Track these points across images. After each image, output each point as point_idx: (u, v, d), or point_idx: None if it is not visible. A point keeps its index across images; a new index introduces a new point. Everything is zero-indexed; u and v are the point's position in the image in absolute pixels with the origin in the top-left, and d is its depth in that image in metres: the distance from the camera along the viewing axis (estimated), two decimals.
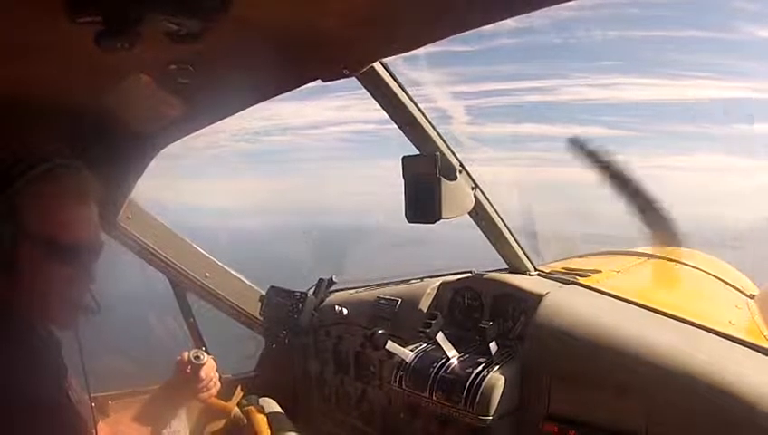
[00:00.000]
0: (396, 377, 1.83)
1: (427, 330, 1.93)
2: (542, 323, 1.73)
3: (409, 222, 1.65)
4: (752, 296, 2.46)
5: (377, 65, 1.43)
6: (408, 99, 1.59)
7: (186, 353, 1.49)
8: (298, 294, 2.43)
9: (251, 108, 1.53)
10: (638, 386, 1.48)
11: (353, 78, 1.29)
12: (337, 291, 2.52)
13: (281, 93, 1.39)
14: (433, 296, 2.15)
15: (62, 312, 1.10)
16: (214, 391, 1.53)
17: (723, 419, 1.33)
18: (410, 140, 1.69)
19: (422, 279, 2.34)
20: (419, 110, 1.63)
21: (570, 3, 0.91)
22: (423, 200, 1.60)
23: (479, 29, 1.06)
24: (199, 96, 1.36)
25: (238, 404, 1.93)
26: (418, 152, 1.69)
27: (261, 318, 2.54)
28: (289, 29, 1.04)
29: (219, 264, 2.41)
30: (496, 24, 1.01)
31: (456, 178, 1.74)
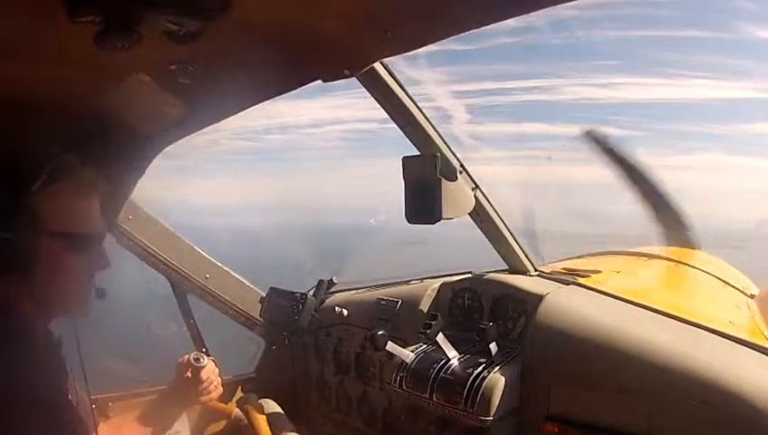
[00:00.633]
0: (396, 378, 1.83)
1: (428, 331, 1.93)
2: (543, 324, 1.73)
3: (410, 223, 1.65)
4: (752, 296, 2.46)
5: (377, 66, 1.43)
6: (408, 99, 1.59)
7: (186, 356, 1.50)
8: (298, 295, 2.43)
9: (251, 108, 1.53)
10: (639, 386, 1.48)
11: (353, 78, 1.29)
12: (337, 292, 2.52)
13: (281, 94, 1.39)
14: (433, 297, 2.15)
15: (78, 299, 1.17)
16: (215, 394, 1.53)
17: (723, 418, 1.33)
18: (411, 141, 1.69)
19: (422, 280, 2.34)
20: (420, 110, 1.64)
21: (570, 2, 0.91)
22: (423, 201, 1.60)
23: (479, 28, 1.06)
24: (199, 96, 1.36)
25: (237, 404, 1.93)
26: (419, 153, 1.70)
27: (261, 319, 2.54)
28: (289, 30, 1.04)
29: (219, 265, 2.40)
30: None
31: (456, 178, 1.74)
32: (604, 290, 1.89)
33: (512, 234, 2.03)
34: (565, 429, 1.59)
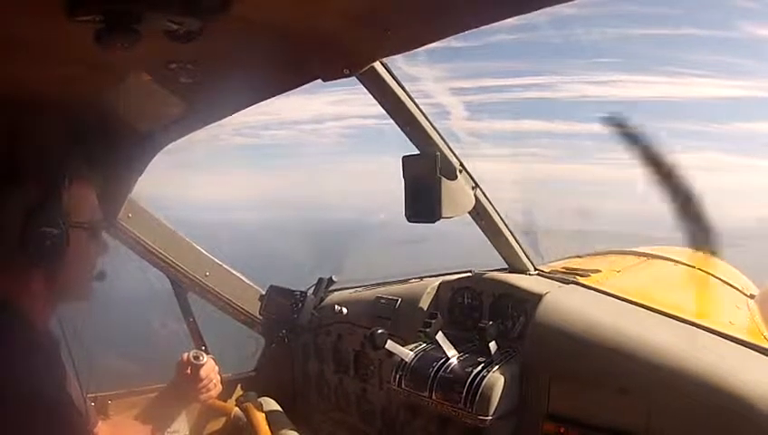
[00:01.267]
0: (395, 377, 1.83)
1: (427, 329, 1.93)
2: (542, 323, 1.73)
3: (409, 221, 1.65)
4: (751, 296, 2.46)
5: (377, 65, 1.43)
6: (408, 98, 1.59)
7: (186, 354, 1.50)
8: (298, 293, 2.43)
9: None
10: (638, 386, 1.48)
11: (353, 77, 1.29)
12: (337, 290, 2.52)
13: (281, 93, 1.39)
14: (433, 296, 2.15)
15: (87, 285, 1.23)
16: (214, 392, 1.53)
17: (722, 418, 1.34)
18: (410, 140, 1.69)
19: (422, 279, 2.34)
20: (419, 109, 1.64)
21: (570, 2, 0.91)
22: (423, 200, 1.60)
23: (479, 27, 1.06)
24: (199, 95, 1.36)
25: (237, 402, 1.93)
26: (418, 151, 1.70)
27: (261, 317, 2.54)
28: (289, 28, 1.04)
29: (219, 263, 2.40)
30: None
31: (456, 177, 1.74)
32: (604, 289, 1.89)
33: (511, 233, 2.03)
34: (565, 428, 1.60)
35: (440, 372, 1.74)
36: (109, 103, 1.36)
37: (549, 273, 2.12)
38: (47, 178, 1.10)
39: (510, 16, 1.00)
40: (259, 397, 1.95)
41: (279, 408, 1.94)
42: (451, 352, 1.78)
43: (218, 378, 1.55)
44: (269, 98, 1.43)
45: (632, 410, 1.47)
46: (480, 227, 1.97)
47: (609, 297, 1.84)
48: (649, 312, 1.72)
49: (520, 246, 2.08)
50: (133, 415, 1.46)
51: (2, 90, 1.14)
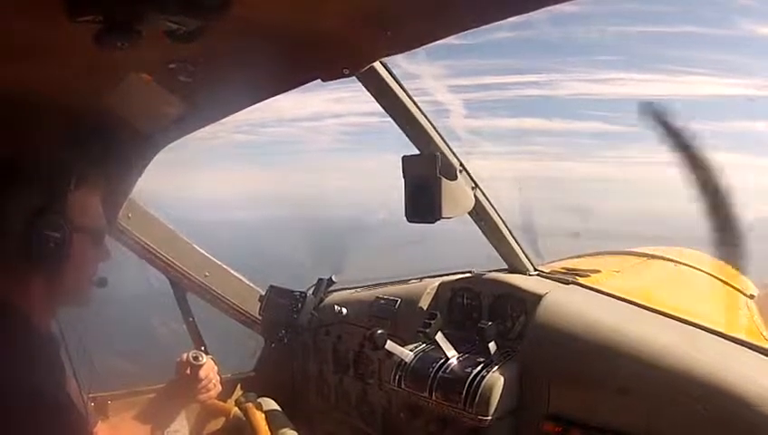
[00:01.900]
0: (395, 377, 1.83)
1: (427, 330, 1.93)
2: (542, 324, 1.73)
3: (409, 221, 1.65)
4: (751, 296, 2.46)
5: (377, 65, 1.42)
6: (407, 98, 1.59)
7: (185, 354, 1.50)
8: (297, 293, 2.43)
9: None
10: (639, 386, 1.48)
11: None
12: (336, 290, 2.52)
13: (280, 93, 1.39)
14: (432, 296, 2.14)
15: (86, 290, 1.22)
16: (214, 392, 1.53)
17: (722, 419, 1.34)
18: (410, 140, 1.69)
19: (421, 279, 2.34)
20: (419, 109, 1.63)
21: (570, 1, 0.91)
22: (423, 200, 1.60)
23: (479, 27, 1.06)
24: (199, 95, 1.36)
25: (236, 402, 1.93)
26: (418, 151, 1.70)
27: (260, 318, 2.54)
28: (289, 28, 1.04)
29: (219, 263, 2.40)
30: None
31: (456, 177, 1.74)
32: (604, 290, 1.89)
33: (511, 233, 2.03)
34: (564, 428, 1.59)
35: (440, 373, 1.74)
36: (108, 103, 1.36)
37: (549, 273, 2.12)
38: (50, 180, 1.10)
39: (510, 16, 1.00)
40: (259, 397, 1.95)
41: (278, 408, 1.94)
42: (451, 353, 1.78)
43: (218, 378, 1.54)
44: (269, 98, 1.43)
45: (632, 410, 1.47)
46: (480, 228, 1.97)
47: (608, 298, 1.84)
48: (649, 312, 1.72)
49: (519, 247, 2.07)
50: (132, 415, 1.45)
51: (2, 90, 1.14)
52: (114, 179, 1.74)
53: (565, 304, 1.77)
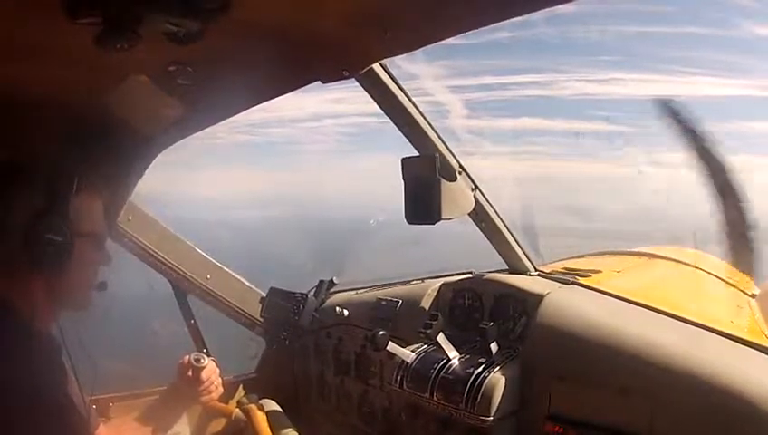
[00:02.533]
0: (397, 378, 1.83)
1: (428, 331, 1.93)
2: (543, 324, 1.73)
3: (409, 223, 1.65)
4: (753, 296, 2.46)
5: (376, 66, 1.43)
6: (407, 100, 1.59)
7: (187, 357, 1.50)
8: (298, 295, 2.43)
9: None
10: (640, 386, 1.48)
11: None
12: (337, 292, 2.52)
13: (280, 94, 1.40)
14: (434, 297, 2.15)
15: (87, 294, 1.23)
16: (215, 394, 1.53)
17: (724, 418, 1.33)
18: (410, 141, 1.70)
19: (423, 280, 2.34)
20: (419, 111, 1.64)
21: (570, 2, 0.91)
22: (423, 201, 1.60)
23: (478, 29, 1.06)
24: (199, 97, 1.36)
25: (238, 404, 1.93)
26: (418, 153, 1.70)
27: (262, 319, 2.54)
28: (288, 31, 1.04)
29: (220, 265, 2.41)
30: None
31: (455, 179, 1.74)
32: (605, 290, 1.89)
33: (511, 234, 2.03)
34: (566, 428, 1.59)
35: (441, 373, 1.74)
36: (109, 105, 1.36)
37: (549, 273, 2.12)
38: (51, 182, 1.10)
39: (510, 17, 1.00)
40: (260, 399, 1.95)
41: (280, 409, 1.94)
42: (452, 353, 1.78)
43: (219, 380, 1.55)
44: (268, 99, 1.43)
45: (634, 410, 1.47)
46: (480, 229, 1.97)
47: (609, 297, 1.84)
48: (650, 312, 1.72)
49: (520, 247, 2.07)
50: (134, 417, 1.46)
51: (2, 91, 1.14)
52: (114, 182, 1.74)
53: (566, 305, 1.76)
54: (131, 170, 1.81)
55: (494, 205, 1.93)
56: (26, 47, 0.98)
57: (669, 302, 1.79)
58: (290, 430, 1.83)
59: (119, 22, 0.76)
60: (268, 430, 1.76)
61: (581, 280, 2.01)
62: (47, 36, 0.92)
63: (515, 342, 1.82)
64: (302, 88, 1.35)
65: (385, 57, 1.30)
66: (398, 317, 2.16)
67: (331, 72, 1.24)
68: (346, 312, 2.33)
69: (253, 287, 2.54)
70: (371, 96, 1.54)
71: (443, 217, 1.61)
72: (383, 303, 2.25)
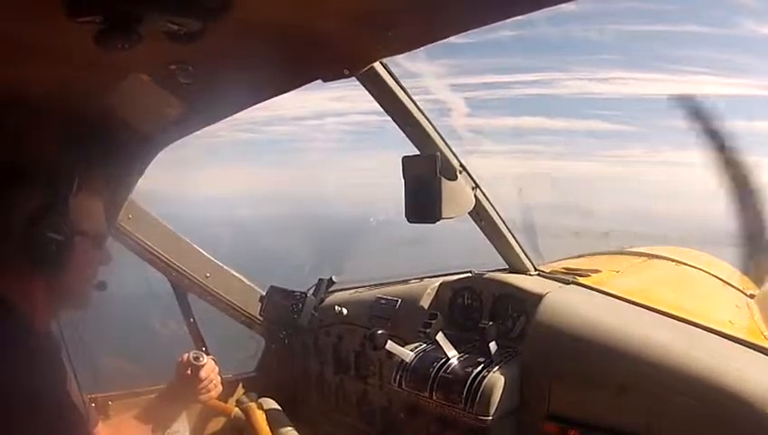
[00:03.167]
0: (396, 377, 1.83)
1: (427, 330, 1.93)
2: (543, 323, 1.73)
3: (409, 222, 1.65)
4: (752, 296, 2.46)
5: (377, 65, 1.43)
6: (408, 99, 1.59)
7: (186, 355, 1.50)
8: (298, 294, 2.43)
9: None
10: (639, 386, 1.48)
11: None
12: (337, 291, 2.52)
13: (281, 94, 1.39)
14: (433, 296, 2.15)
15: (87, 293, 1.24)
16: (214, 393, 1.53)
17: (723, 418, 1.34)
18: (411, 140, 1.69)
19: (422, 279, 2.34)
20: (420, 110, 1.64)
21: (570, 1, 0.91)
22: (423, 200, 1.60)
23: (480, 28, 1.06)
24: (199, 96, 1.36)
25: (237, 403, 1.93)
26: (418, 152, 1.70)
27: (261, 318, 2.54)
28: (289, 29, 1.04)
29: (220, 264, 2.40)
30: None
31: (456, 178, 1.74)
32: (604, 290, 1.89)
33: (511, 233, 2.03)
34: (565, 428, 1.59)
35: (440, 373, 1.74)
36: (108, 104, 1.35)
37: (549, 273, 2.12)
38: (51, 181, 1.11)
39: (510, 17, 1.00)
40: (259, 397, 1.96)
41: (279, 408, 1.94)
42: (451, 353, 1.78)
43: (218, 379, 1.55)
44: (269, 98, 1.43)
45: (633, 409, 1.47)
46: (480, 228, 1.97)
47: (609, 297, 1.84)
48: (650, 312, 1.72)
49: (520, 247, 2.08)
50: (133, 416, 1.46)
51: (2, 91, 1.14)
52: (114, 181, 1.74)
53: (566, 304, 1.77)
54: (131, 169, 1.80)
55: (494, 204, 1.93)
56: (26, 47, 0.97)
57: (668, 302, 1.80)
58: (289, 428, 1.83)
59: (119, 21, 0.76)
60: (267, 428, 1.76)
61: (581, 280, 2.02)
62: (47, 36, 0.92)
63: (515, 341, 1.82)
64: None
65: (386, 56, 1.29)
66: (398, 316, 2.16)
67: (332, 71, 1.24)
68: (345, 311, 2.33)
69: (252, 286, 2.54)
70: (372, 95, 1.54)
71: (443, 216, 1.61)
72: (382, 302, 2.25)
